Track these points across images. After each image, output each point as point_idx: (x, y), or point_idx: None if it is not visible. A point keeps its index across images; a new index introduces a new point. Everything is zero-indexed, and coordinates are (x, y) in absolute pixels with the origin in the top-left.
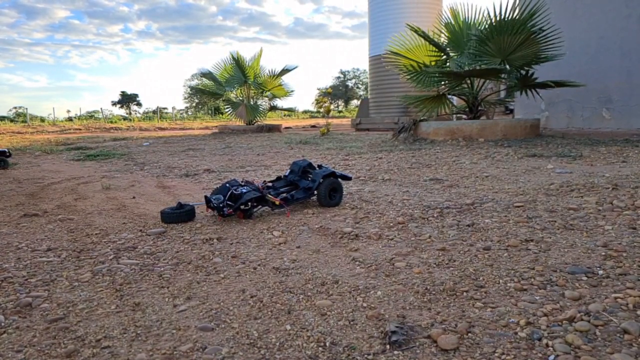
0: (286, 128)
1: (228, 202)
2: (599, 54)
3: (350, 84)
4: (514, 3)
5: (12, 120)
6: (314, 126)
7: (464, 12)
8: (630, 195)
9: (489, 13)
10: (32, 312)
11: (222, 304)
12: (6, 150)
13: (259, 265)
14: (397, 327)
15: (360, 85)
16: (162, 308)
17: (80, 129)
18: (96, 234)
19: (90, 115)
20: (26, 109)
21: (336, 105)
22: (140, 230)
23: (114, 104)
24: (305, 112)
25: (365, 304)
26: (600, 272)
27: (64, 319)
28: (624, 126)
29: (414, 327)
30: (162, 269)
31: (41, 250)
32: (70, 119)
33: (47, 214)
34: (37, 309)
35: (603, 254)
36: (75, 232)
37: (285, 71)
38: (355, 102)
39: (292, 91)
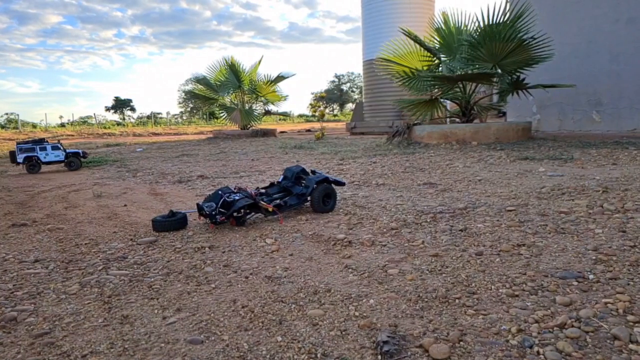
0: (281, 132)
1: (220, 210)
2: (588, 58)
3: (345, 87)
4: (505, 8)
5: (3, 127)
6: (309, 130)
7: (455, 17)
8: (620, 198)
9: (478, 19)
10: (17, 327)
11: (212, 315)
12: (80, 151)
13: (251, 274)
14: (388, 336)
15: (355, 89)
16: (151, 320)
17: (72, 135)
18: (86, 243)
19: (84, 121)
20: (17, 115)
21: (331, 109)
22: (131, 240)
23: (108, 109)
24: (300, 116)
25: (357, 313)
26: (591, 276)
27: (50, 334)
28: (614, 128)
29: (405, 336)
30: (152, 279)
31: (28, 262)
32: (62, 125)
33: (36, 224)
34: (23, 324)
35: (593, 258)
36: (64, 242)
37: (281, 78)
38: (350, 106)
39: (286, 96)
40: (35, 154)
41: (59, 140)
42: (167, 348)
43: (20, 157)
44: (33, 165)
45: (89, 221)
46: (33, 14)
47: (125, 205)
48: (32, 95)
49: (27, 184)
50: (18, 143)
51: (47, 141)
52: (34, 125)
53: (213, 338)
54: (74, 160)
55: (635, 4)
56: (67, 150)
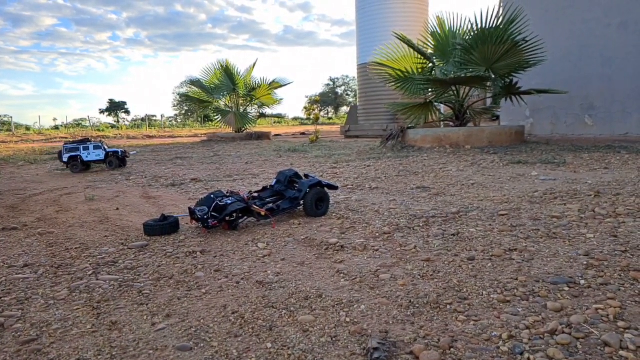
0: (276, 135)
1: (213, 214)
2: (581, 62)
3: (339, 91)
4: (497, 12)
5: None
6: (303, 133)
7: (449, 21)
8: (612, 202)
9: (472, 22)
10: (3, 334)
11: (202, 321)
12: (119, 151)
13: (242, 279)
14: (379, 343)
15: (349, 92)
16: (139, 327)
17: (66, 138)
18: (76, 248)
19: (78, 124)
20: (11, 117)
21: (326, 112)
22: (122, 244)
23: (102, 112)
24: (295, 119)
25: (348, 319)
26: (582, 281)
27: (37, 341)
28: (606, 132)
29: (396, 342)
30: (142, 284)
31: (17, 267)
32: (56, 128)
33: (27, 228)
34: (10, 330)
35: (585, 263)
36: (55, 246)
37: (277, 85)
38: (345, 109)
39: (281, 99)
40: (79, 154)
41: (101, 140)
42: (156, 355)
43: (65, 157)
44: (75, 165)
45: (80, 225)
46: (27, 16)
47: (117, 209)
48: (26, 98)
49: (18, 187)
50: (65, 143)
51: (91, 141)
52: (28, 128)
53: (202, 344)
54: (112, 160)
55: (626, 9)
56: (107, 150)
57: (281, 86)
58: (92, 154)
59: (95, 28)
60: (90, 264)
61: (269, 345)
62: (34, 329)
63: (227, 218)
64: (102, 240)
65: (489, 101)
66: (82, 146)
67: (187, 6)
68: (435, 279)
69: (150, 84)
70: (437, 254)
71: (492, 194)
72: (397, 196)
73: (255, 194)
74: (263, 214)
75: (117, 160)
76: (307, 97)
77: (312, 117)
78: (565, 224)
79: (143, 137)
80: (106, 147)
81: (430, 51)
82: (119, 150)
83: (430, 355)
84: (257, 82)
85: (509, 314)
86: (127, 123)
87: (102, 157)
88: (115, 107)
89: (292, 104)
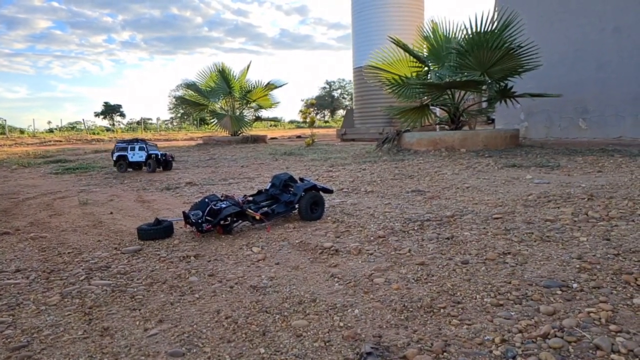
0: (272, 139)
1: (207, 218)
2: (575, 66)
3: (336, 94)
4: (492, 17)
5: None
6: (299, 136)
7: (443, 26)
8: (605, 205)
9: (467, 27)
10: None
11: (195, 326)
12: (159, 153)
13: (236, 283)
14: (372, 348)
15: (346, 96)
16: (132, 332)
17: (60, 141)
18: (69, 252)
19: (72, 127)
20: (5, 120)
21: (322, 115)
22: (115, 248)
23: (97, 115)
24: (291, 122)
25: (342, 324)
26: (575, 285)
27: (27, 347)
28: (600, 136)
29: (389, 347)
30: (135, 289)
31: (9, 272)
32: (51, 131)
33: (19, 232)
34: (0, 336)
35: (577, 266)
36: (47, 251)
37: (272, 86)
38: (341, 112)
39: (277, 102)
40: (126, 153)
41: (146, 141)
42: None
43: (114, 156)
44: (121, 165)
45: (74, 229)
46: (22, 18)
47: (111, 213)
48: (20, 101)
49: (11, 190)
50: (117, 141)
51: (139, 141)
52: (22, 131)
53: (195, 350)
54: (151, 162)
55: (620, 14)
56: (149, 152)
57: (276, 87)
58: (136, 155)
59: (91, 31)
60: (82, 269)
61: (262, 350)
62: (25, 335)
63: (222, 222)
64: (95, 245)
65: (484, 104)
66: (129, 146)
67: (183, 9)
68: (429, 283)
69: (146, 87)
70: (431, 258)
71: (487, 197)
72: (392, 200)
73: (250, 198)
74: (258, 217)
75: (155, 163)
76: (303, 100)
77: (308, 120)
78: (558, 227)
79: None
80: (151, 149)
81: (425, 53)
82: (159, 152)
83: (423, 359)
84: (252, 85)
85: (501, 318)
86: (122, 126)
87: (143, 158)
88: (110, 110)
89: (288, 107)
